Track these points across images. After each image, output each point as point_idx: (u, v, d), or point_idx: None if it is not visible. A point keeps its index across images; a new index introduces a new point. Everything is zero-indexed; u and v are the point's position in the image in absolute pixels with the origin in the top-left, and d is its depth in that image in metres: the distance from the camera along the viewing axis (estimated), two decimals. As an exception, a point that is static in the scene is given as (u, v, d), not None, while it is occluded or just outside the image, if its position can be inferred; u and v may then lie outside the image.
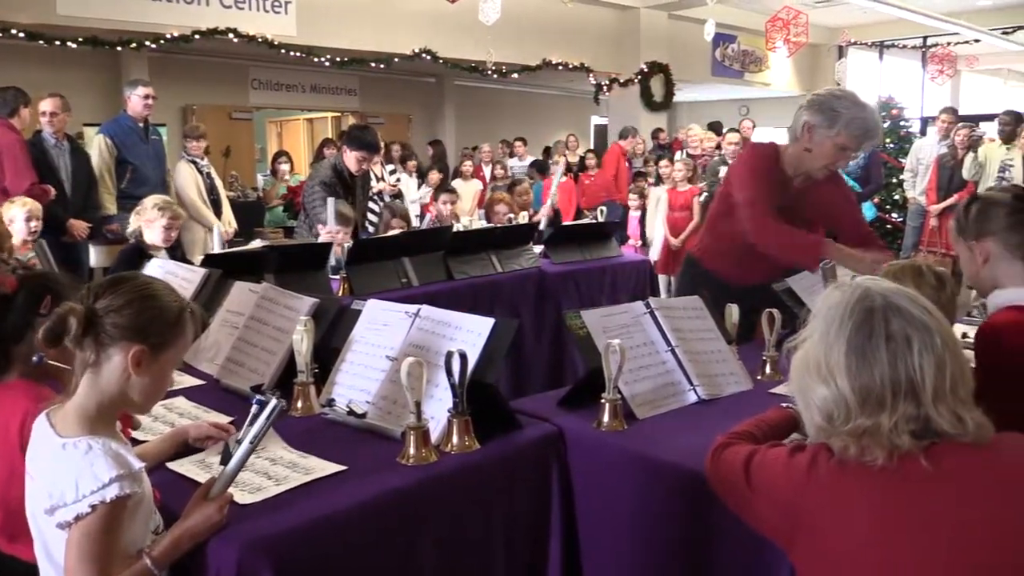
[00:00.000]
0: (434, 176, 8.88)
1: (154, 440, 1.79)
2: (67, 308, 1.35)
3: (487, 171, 10.17)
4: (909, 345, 1.24)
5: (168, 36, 7.70)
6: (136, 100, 5.67)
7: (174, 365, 1.49)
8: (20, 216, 4.16)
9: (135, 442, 1.77)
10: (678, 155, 8.92)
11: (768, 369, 2.41)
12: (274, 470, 1.66)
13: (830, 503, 1.27)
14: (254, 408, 1.49)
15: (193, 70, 10.16)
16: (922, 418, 1.23)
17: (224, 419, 1.94)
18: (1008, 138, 7.23)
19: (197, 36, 7.76)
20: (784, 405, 1.69)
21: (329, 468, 1.67)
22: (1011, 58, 13.46)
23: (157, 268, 2.99)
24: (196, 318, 1.50)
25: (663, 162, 7.75)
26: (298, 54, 8.64)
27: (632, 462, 1.86)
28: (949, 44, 12.58)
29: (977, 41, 12.34)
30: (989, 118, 8.63)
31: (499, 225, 5.38)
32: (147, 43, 7.81)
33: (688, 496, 1.74)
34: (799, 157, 2.88)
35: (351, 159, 4.75)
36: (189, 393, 2.22)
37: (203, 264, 3.15)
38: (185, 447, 1.77)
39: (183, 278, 2.85)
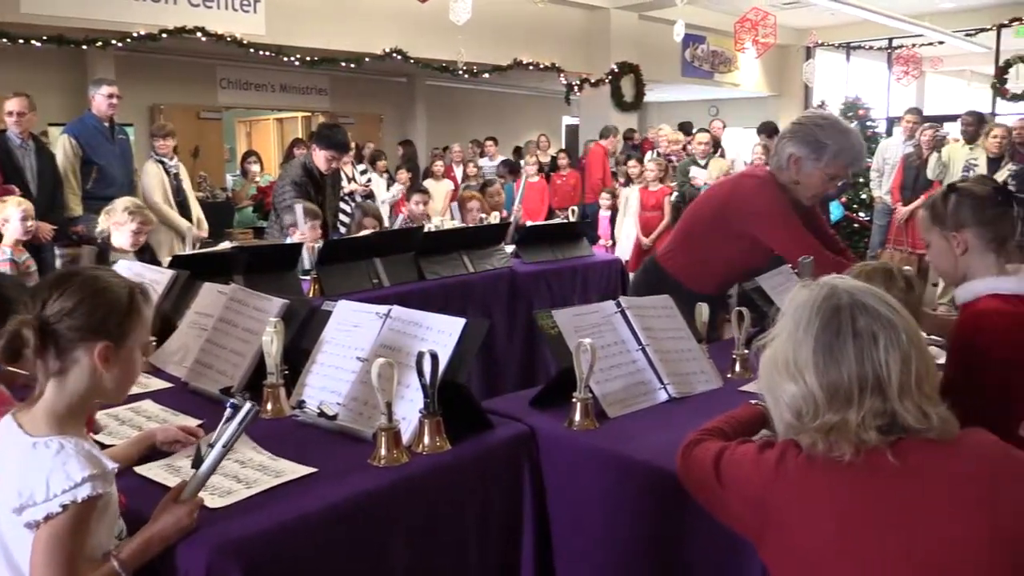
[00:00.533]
0: (403, 176, 8.86)
1: (120, 444, 1.77)
2: (18, 323, 1.32)
3: (458, 171, 10.15)
4: (875, 342, 1.26)
5: (135, 35, 7.61)
6: (100, 99, 5.59)
7: (139, 348, 1.46)
8: (16, 215, 4.10)
9: (101, 446, 1.75)
10: (648, 155, 8.97)
11: (738, 367, 2.43)
12: (244, 473, 1.65)
13: (798, 498, 1.28)
14: (228, 411, 1.48)
15: (161, 69, 10.04)
16: (888, 413, 1.25)
17: (193, 422, 1.92)
18: (971, 138, 7.34)
19: (164, 35, 7.68)
20: (753, 402, 1.71)
21: (299, 470, 1.66)
22: (974, 59, 13.69)
23: (124, 269, 2.95)
24: (147, 295, 1.47)
25: (631, 162, 7.79)
26: (267, 53, 8.58)
27: (603, 461, 1.87)
28: (914, 46, 12.76)
29: (941, 43, 12.53)
30: (953, 119, 8.77)
31: (471, 225, 5.38)
32: (113, 42, 7.72)
33: (659, 494, 1.76)
34: (788, 187, 2.89)
35: (320, 158, 4.73)
36: (157, 396, 2.19)
37: (171, 265, 3.11)
38: (152, 451, 1.75)
39: (151, 280, 2.82)
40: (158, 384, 2.30)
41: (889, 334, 1.26)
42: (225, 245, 4.29)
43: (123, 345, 1.39)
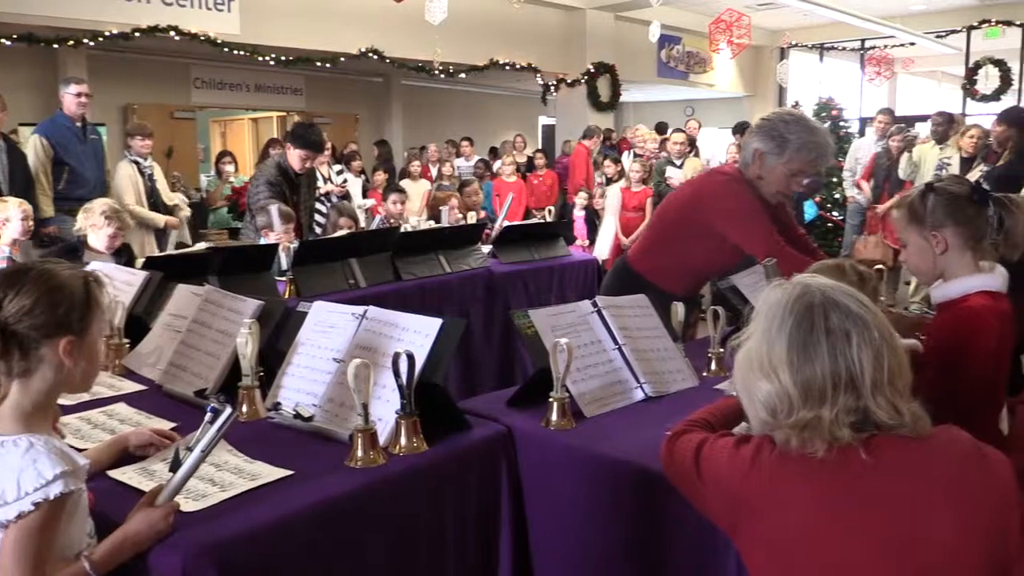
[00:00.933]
0: (380, 176, 8.82)
1: (93, 448, 1.75)
2: None
3: (434, 171, 10.14)
4: (848, 339, 1.27)
5: (107, 34, 7.51)
6: (69, 99, 5.52)
7: (101, 335, 1.46)
8: (17, 215, 4.09)
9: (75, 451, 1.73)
10: (625, 155, 9.01)
11: (713, 366, 2.44)
12: (220, 476, 1.64)
13: (773, 493, 1.30)
14: (207, 416, 1.47)
15: (133, 68, 9.93)
16: (861, 409, 1.26)
17: (167, 425, 1.90)
18: (941, 138, 7.43)
19: (137, 34, 7.59)
20: (732, 393, 1.73)
21: (276, 473, 1.65)
22: (945, 60, 13.88)
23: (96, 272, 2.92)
24: (100, 283, 1.47)
25: (607, 162, 7.81)
26: (242, 53, 8.50)
27: (580, 460, 1.87)
28: (886, 47, 12.91)
29: (912, 44, 12.69)
30: (924, 119, 8.88)
31: (447, 225, 5.37)
32: (85, 41, 7.61)
33: (636, 493, 1.76)
34: (753, 183, 2.88)
35: (295, 157, 4.71)
36: (130, 399, 2.17)
37: (144, 267, 3.08)
38: (125, 455, 1.73)
39: (123, 281, 2.79)
40: (131, 387, 2.28)
41: (861, 331, 1.27)
42: (200, 246, 4.26)
43: (86, 337, 1.39)
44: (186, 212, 6.51)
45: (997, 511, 1.25)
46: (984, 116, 10.54)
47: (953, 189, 1.95)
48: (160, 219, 5.91)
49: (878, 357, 1.27)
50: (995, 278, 1.91)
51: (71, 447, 1.40)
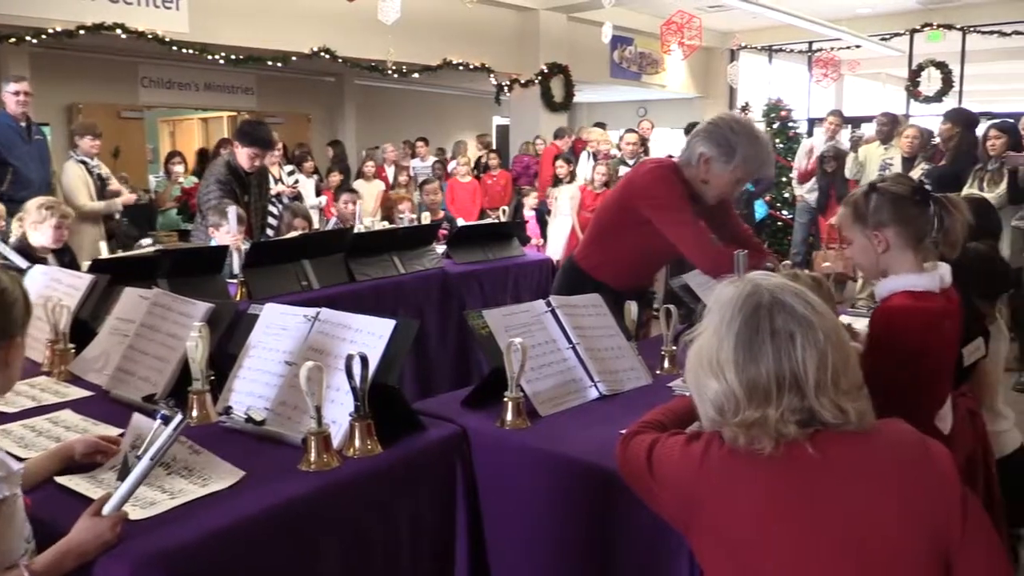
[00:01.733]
0: (335, 177, 8.75)
1: (37, 456, 1.70)
2: None
3: (390, 172, 10.08)
4: (792, 340, 1.29)
5: (51, 31, 7.33)
6: (8, 97, 5.38)
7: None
8: None
9: (15, 459, 1.69)
10: (584, 155, 9.05)
11: (667, 363, 2.47)
12: (169, 483, 1.60)
13: (723, 489, 1.31)
14: (157, 422, 1.44)
15: (79, 67, 9.71)
16: (806, 409, 1.28)
17: (114, 432, 1.86)
18: (886, 138, 7.60)
19: (82, 31, 7.42)
20: (688, 394, 1.75)
21: (227, 478, 1.63)
22: (889, 63, 14.18)
23: (40, 275, 2.85)
24: (16, 280, 1.43)
25: (559, 162, 7.83)
26: (191, 51, 8.36)
27: (535, 459, 1.88)
28: (833, 49, 13.15)
29: (858, 47, 12.94)
30: (870, 119, 9.07)
31: (401, 226, 5.35)
32: (28, 38, 7.41)
33: (590, 492, 1.78)
34: (694, 183, 2.89)
35: (243, 155, 4.65)
36: (76, 405, 2.12)
37: (90, 270, 3.02)
38: (72, 464, 1.68)
39: (69, 285, 2.73)
40: (77, 393, 2.23)
41: (806, 332, 1.29)
42: (146, 242, 4.20)
43: (22, 338, 1.38)
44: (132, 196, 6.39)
45: (938, 501, 1.28)
46: (927, 117, 10.82)
47: (895, 189, 1.98)
48: (117, 201, 5.81)
49: (822, 358, 1.28)
50: (923, 278, 1.94)
51: (6, 452, 1.36)
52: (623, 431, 1.60)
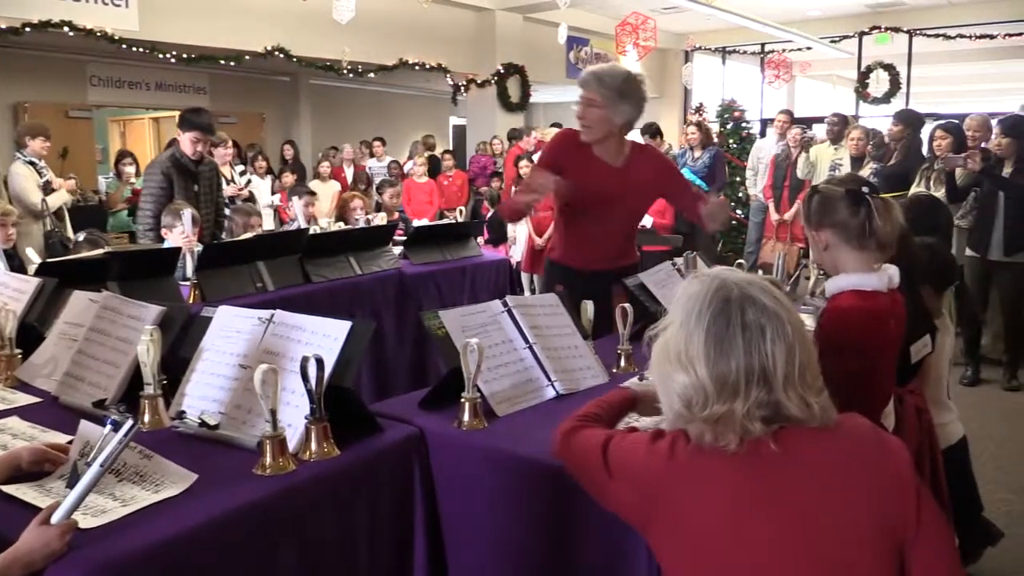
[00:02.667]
0: (288, 178, 8.66)
1: (-19, 463, 1.66)
2: None
3: (348, 172, 10.02)
4: (763, 334, 1.30)
5: (-5, 28, 7.16)
6: None
7: None
8: None
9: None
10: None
11: (623, 362, 2.49)
12: (120, 490, 1.56)
13: (689, 485, 1.32)
14: (107, 428, 1.41)
15: (25, 65, 9.49)
16: (772, 403, 1.29)
17: (63, 439, 1.82)
18: (836, 138, 7.76)
19: (28, 29, 7.24)
20: (622, 385, 1.76)
21: (179, 483, 1.60)
22: (839, 64, 14.45)
23: (-15, 278, 2.78)
24: None
25: (523, 162, 7.86)
26: (141, 50, 8.21)
27: (492, 460, 1.88)
28: (784, 51, 13.37)
29: (809, 48, 13.18)
30: (821, 120, 9.24)
31: (357, 227, 5.32)
32: (-30, 35, 7.24)
33: (548, 491, 1.78)
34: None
35: (185, 141, 4.62)
36: (23, 412, 2.07)
37: (37, 273, 2.95)
38: (19, 473, 1.63)
39: (15, 289, 2.67)
40: (25, 399, 2.17)
41: (776, 326, 1.31)
42: (80, 236, 4.14)
43: None
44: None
45: (894, 495, 1.30)
46: (877, 118, 11.05)
47: (830, 190, 2.05)
48: (63, 191, 5.70)
49: (790, 352, 1.30)
50: (871, 277, 1.99)
51: None
52: (564, 421, 1.61)
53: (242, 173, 7.87)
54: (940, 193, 5.59)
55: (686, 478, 1.33)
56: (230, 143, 7.76)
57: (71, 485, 1.39)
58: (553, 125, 10.93)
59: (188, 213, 3.98)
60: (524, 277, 6.96)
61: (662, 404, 1.42)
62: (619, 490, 1.42)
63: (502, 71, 11.62)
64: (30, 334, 2.43)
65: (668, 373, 1.36)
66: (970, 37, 11.59)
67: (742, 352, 1.29)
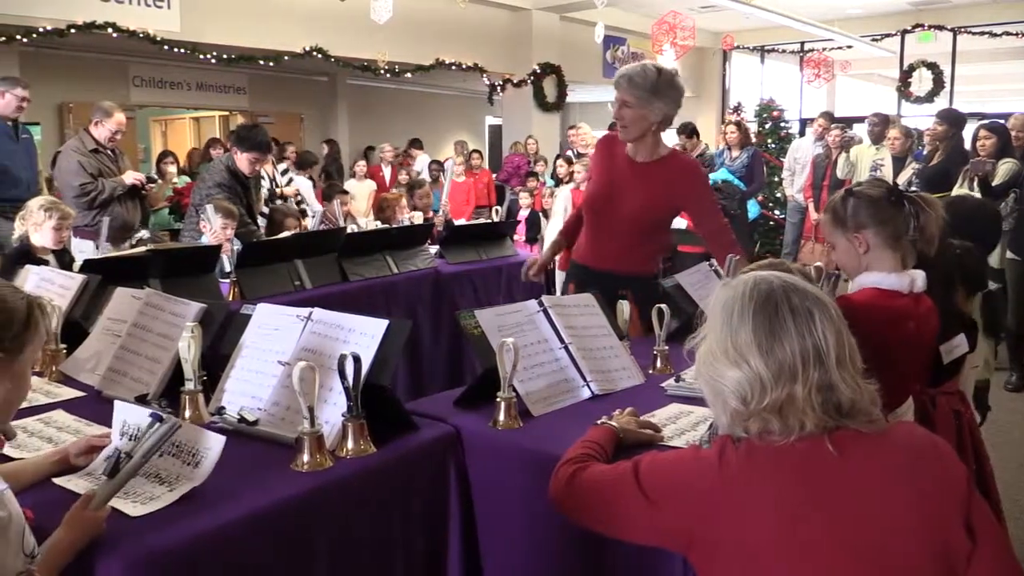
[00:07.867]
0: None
1: (32, 458, 1.70)
2: None
3: (386, 172, 10.07)
4: (811, 316, 1.32)
5: (41, 30, 7.30)
6: (11, 99, 5.33)
7: (31, 364, 1.41)
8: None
9: (6, 459, 1.69)
10: (571, 154, 9.05)
11: (659, 363, 2.47)
12: (162, 465, 1.58)
13: (743, 488, 1.30)
14: (149, 421, 1.44)
15: (70, 66, 9.67)
16: (829, 385, 1.29)
17: (107, 431, 1.86)
18: (877, 138, 7.64)
19: (73, 30, 7.39)
20: (599, 422, 1.76)
21: (214, 446, 1.59)
22: (881, 63, 14.23)
23: (33, 276, 2.85)
24: (45, 311, 1.42)
25: (559, 162, 7.84)
26: (182, 51, 8.34)
27: (527, 460, 1.88)
28: (824, 50, 13.20)
29: (850, 47, 12.99)
30: (861, 120, 9.12)
31: (394, 226, 5.35)
32: (18, 37, 7.38)
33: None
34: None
35: (243, 161, 4.64)
36: (68, 406, 2.11)
37: (82, 270, 3.01)
38: (68, 465, 1.67)
39: (61, 285, 2.73)
40: (69, 393, 2.22)
41: (823, 309, 1.33)
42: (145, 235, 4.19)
43: (16, 358, 1.34)
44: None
45: (948, 503, 1.28)
46: (919, 118, 10.87)
47: (870, 192, 2.06)
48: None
49: (839, 334, 1.32)
50: (892, 277, 2.00)
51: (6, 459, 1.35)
52: (558, 468, 1.59)
53: (284, 172, 7.95)
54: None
55: (739, 482, 1.31)
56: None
57: (111, 474, 1.42)
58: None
59: (211, 208, 4.03)
60: (559, 276, 6.94)
61: (713, 412, 1.40)
62: (663, 515, 1.38)
63: (538, 71, 11.60)
64: (75, 330, 2.48)
65: (718, 374, 1.35)
66: (1016, 35, 11.35)
67: (795, 335, 1.30)
